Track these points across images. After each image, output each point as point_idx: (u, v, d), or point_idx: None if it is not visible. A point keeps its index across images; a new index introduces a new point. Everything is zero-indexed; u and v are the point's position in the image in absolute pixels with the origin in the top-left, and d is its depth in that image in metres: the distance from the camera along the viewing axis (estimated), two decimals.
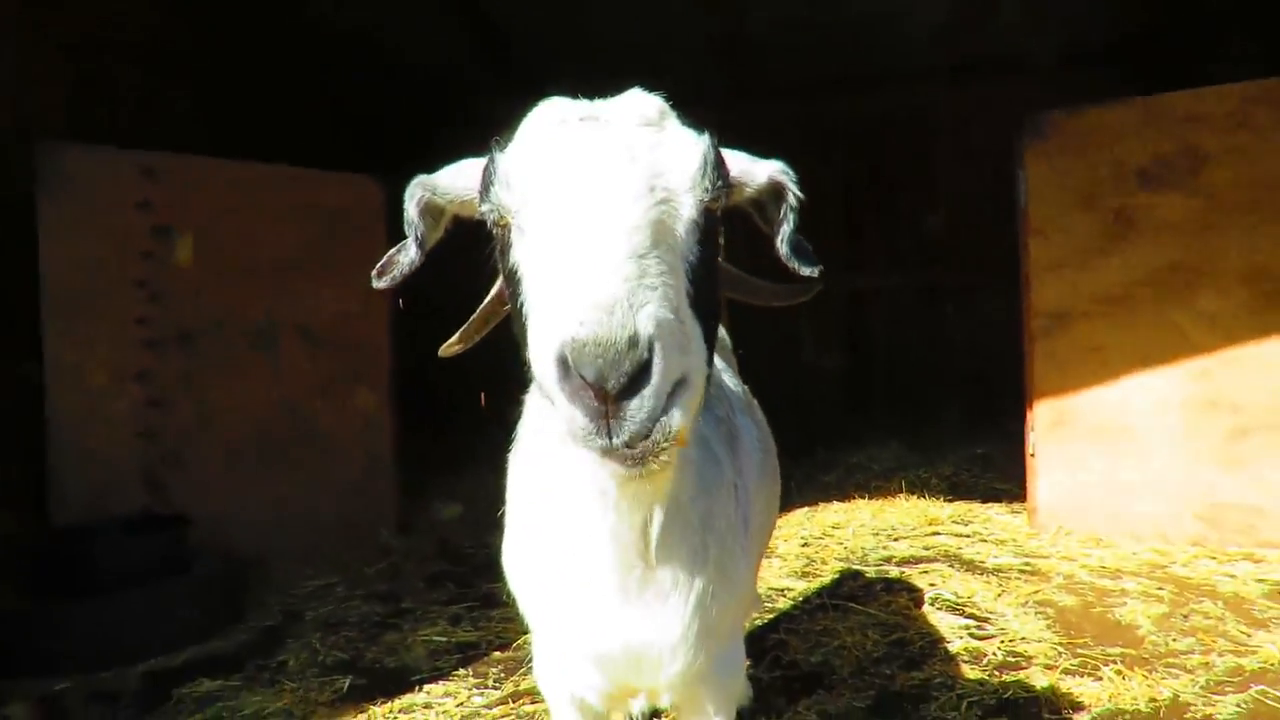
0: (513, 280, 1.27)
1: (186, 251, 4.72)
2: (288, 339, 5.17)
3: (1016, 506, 5.54)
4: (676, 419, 1.03)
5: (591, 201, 1.10)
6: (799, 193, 1.43)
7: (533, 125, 1.28)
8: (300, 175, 5.20)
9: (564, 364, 1.00)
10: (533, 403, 1.70)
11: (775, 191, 1.44)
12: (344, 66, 7.58)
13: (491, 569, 4.74)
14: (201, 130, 5.96)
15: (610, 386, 0.96)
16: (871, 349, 9.43)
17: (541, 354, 1.10)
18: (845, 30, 7.45)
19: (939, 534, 5.14)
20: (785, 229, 1.42)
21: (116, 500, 4.41)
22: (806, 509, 5.88)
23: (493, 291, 1.77)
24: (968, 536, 5.05)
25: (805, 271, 1.42)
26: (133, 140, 4.84)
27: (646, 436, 1.01)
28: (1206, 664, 3.16)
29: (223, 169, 4.93)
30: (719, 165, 1.24)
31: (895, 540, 5.08)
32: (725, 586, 1.63)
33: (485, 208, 1.27)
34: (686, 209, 1.19)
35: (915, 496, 6.01)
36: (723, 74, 8.35)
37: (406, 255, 1.51)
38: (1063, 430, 4.93)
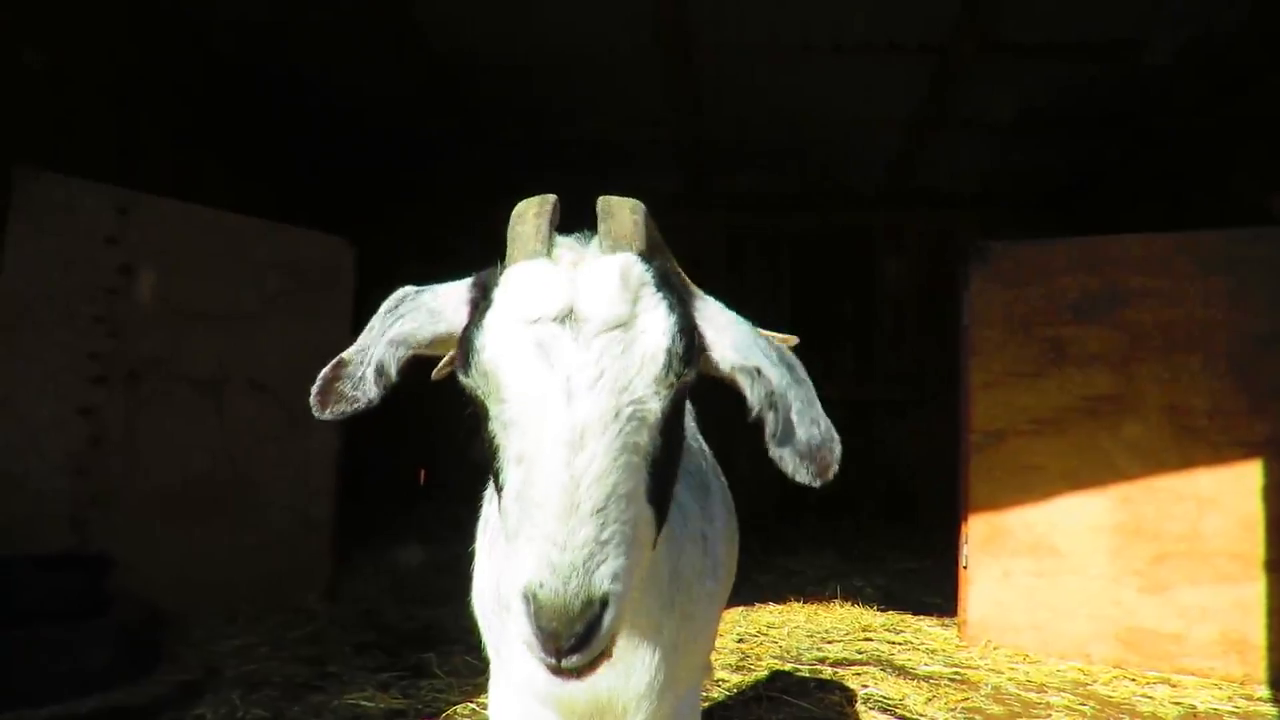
0: (490, 445, 1.26)
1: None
2: (237, 390, 5.11)
3: (947, 620, 5.63)
4: (612, 635, 1.09)
5: (557, 439, 1.09)
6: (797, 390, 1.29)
7: (508, 309, 1.21)
8: (273, 229, 5.26)
9: (527, 603, 1.06)
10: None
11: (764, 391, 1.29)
12: (302, 122, 7.72)
13: (422, 641, 4.66)
14: (169, 173, 5.99)
15: (563, 644, 1.03)
16: None
17: (510, 578, 1.14)
18: (800, 151, 8.00)
19: (871, 639, 5.19)
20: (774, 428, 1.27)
21: (42, 537, 4.23)
22: (742, 608, 5.87)
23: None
24: (900, 644, 5.10)
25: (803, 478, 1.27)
26: (106, 177, 4.84)
27: (592, 661, 1.09)
28: None
29: (196, 214, 4.97)
30: (688, 345, 1.18)
31: (829, 642, 5.10)
32: (691, 635, 1.68)
33: (465, 380, 1.25)
34: (654, 412, 1.15)
35: (849, 603, 6.07)
36: (682, 176, 8.84)
37: (364, 394, 1.36)
38: (995, 545, 5.08)
